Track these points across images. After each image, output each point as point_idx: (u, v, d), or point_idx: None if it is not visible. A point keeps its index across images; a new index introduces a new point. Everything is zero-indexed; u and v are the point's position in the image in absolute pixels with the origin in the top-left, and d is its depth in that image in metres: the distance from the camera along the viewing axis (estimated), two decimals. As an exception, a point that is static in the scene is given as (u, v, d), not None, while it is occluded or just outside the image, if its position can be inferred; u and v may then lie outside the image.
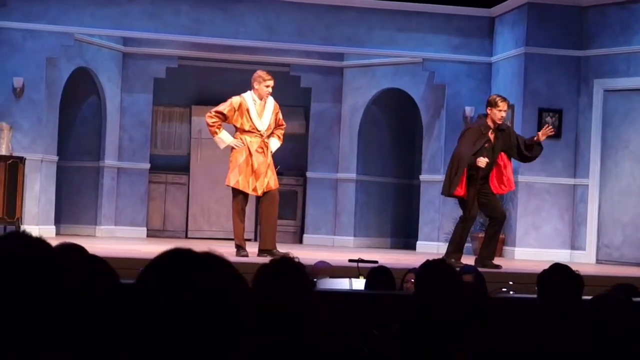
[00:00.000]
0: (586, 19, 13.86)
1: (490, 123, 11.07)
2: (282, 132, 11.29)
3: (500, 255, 13.87)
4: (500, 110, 11.02)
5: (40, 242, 2.17)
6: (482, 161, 10.93)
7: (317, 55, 15.95)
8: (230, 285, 1.91)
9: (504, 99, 11.18)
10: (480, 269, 6.63)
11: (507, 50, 14.43)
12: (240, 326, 1.90)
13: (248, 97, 11.08)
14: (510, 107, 14.05)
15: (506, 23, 14.56)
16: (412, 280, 6.74)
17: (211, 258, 1.94)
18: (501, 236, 13.94)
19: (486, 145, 11.08)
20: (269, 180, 11.10)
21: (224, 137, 11.08)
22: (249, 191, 10.98)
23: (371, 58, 15.67)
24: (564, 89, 13.93)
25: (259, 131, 11.05)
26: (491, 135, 11.12)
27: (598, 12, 13.77)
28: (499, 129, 11.15)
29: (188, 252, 1.94)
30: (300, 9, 14.46)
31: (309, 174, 16.35)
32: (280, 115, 11.25)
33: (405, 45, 14.76)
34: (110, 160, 15.54)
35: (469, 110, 14.73)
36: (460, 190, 11.18)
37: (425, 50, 14.81)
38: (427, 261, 5.20)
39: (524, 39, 13.96)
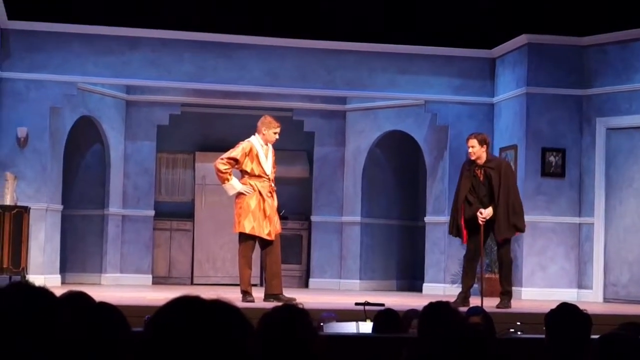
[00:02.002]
0: (587, 58, 13.91)
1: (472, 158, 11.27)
2: (274, 175, 11.37)
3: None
4: (469, 147, 11.24)
5: (43, 292, 2.16)
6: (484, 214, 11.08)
7: (320, 100, 15.99)
8: (239, 332, 1.91)
9: (470, 135, 11.45)
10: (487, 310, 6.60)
11: (508, 91, 14.47)
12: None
13: (255, 142, 11.13)
14: (513, 147, 14.11)
15: (507, 64, 14.61)
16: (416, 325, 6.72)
17: (220, 305, 1.94)
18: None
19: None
20: (277, 224, 11.16)
21: (235, 184, 11.09)
22: (264, 236, 10.98)
23: (374, 101, 15.71)
24: (566, 128, 13.95)
25: (267, 175, 11.10)
26: (478, 172, 11.25)
27: (599, 50, 13.82)
28: (487, 166, 11.24)
29: (196, 300, 1.94)
30: (301, 54, 14.53)
31: (313, 218, 16.33)
32: (274, 159, 11.36)
33: (407, 87, 14.81)
34: (114, 208, 15.54)
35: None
36: (452, 230, 11.41)
37: (427, 92, 14.86)
38: (430, 304, 5.19)
39: (525, 79, 14.00)
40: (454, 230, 11.43)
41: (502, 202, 11.13)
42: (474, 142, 11.26)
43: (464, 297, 11.19)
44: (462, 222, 11.28)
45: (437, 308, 5.33)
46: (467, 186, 11.29)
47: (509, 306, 11.10)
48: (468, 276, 11.46)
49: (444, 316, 5.00)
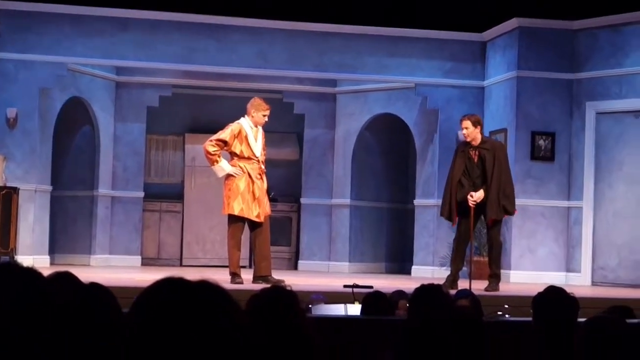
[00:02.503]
0: (577, 42, 13.92)
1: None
2: (265, 157, 11.37)
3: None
4: (462, 129, 11.33)
5: (31, 272, 2.16)
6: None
7: (310, 82, 15.99)
8: (225, 313, 1.91)
9: (464, 116, 11.50)
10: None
11: (499, 74, 14.47)
12: (235, 353, 1.90)
13: (245, 123, 11.13)
14: (503, 130, 14.12)
15: (498, 47, 14.61)
16: (404, 306, 6.73)
17: (205, 286, 1.94)
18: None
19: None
20: (266, 206, 11.16)
21: (224, 166, 11.08)
22: (253, 218, 10.98)
23: (364, 84, 15.71)
24: (556, 112, 13.96)
25: (257, 157, 11.10)
26: (472, 152, 11.26)
27: (589, 35, 13.83)
28: (482, 147, 11.25)
29: (181, 280, 1.94)
30: (292, 36, 14.51)
31: (303, 200, 16.34)
32: (264, 141, 11.36)
33: (398, 70, 14.80)
34: (104, 190, 15.53)
35: (461, 135, 14.73)
36: (443, 212, 11.46)
37: (418, 75, 14.86)
38: (422, 286, 5.20)
39: (515, 63, 14.01)
40: (446, 212, 11.44)
41: (495, 183, 11.14)
42: (467, 123, 11.26)
43: (452, 280, 11.22)
44: (455, 205, 11.29)
45: (428, 290, 5.34)
46: (460, 168, 11.30)
47: (497, 289, 11.13)
48: (457, 259, 11.49)
49: (434, 299, 5.01)
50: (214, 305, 1.91)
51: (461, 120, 11.44)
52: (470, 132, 11.24)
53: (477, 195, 11.14)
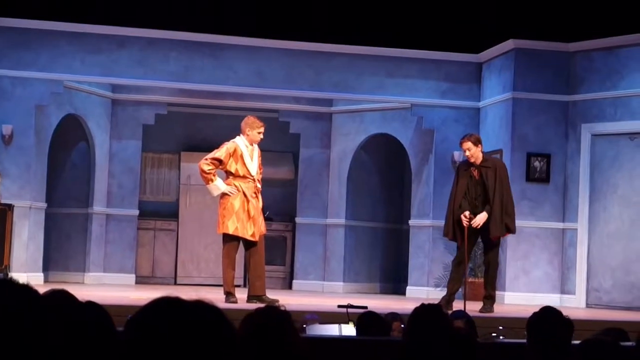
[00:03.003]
0: (573, 64, 13.95)
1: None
2: (261, 176, 11.36)
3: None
4: (464, 150, 11.26)
5: (26, 289, 2.16)
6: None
7: (306, 101, 16.00)
8: (220, 333, 1.90)
9: (464, 138, 11.44)
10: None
11: (494, 95, 14.50)
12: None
13: (240, 142, 11.13)
14: (499, 151, 14.13)
15: (494, 68, 14.64)
16: (398, 327, 6.72)
17: (201, 305, 1.93)
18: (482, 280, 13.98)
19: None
20: (261, 225, 11.15)
21: (219, 185, 11.07)
22: (248, 237, 10.96)
23: (360, 103, 15.72)
24: (552, 133, 13.98)
25: (252, 176, 11.10)
26: (474, 172, 11.24)
27: (585, 57, 13.86)
28: (484, 165, 11.25)
29: (177, 300, 1.93)
30: (289, 55, 14.53)
31: (298, 220, 16.33)
32: (260, 160, 11.36)
33: (394, 90, 14.82)
34: (99, 207, 15.51)
35: (457, 155, 14.76)
36: (448, 232, 11.40)
37: (414, 95, 14.87)
38: (422, 305, 5.17)
39: (511, 84, 14.03)
40: (450, 232, 11.38)
41: (497, 201, 11.12)
42: (468, 144, 11.22)
43: (447, 300, 11.18)
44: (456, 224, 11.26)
45: (427, 310, 5.33)
46: (463, 188, 11.27)
47: (491, 310, 11.11)
48: (454, 280, 11.44)
49: (433, 319, 5.00)
50: (209, 325, 1.90)
51: (462, 142, 11.34)
52: (473, 152, 11.19)
53: (480, 218, 11.09)
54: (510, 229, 11.33)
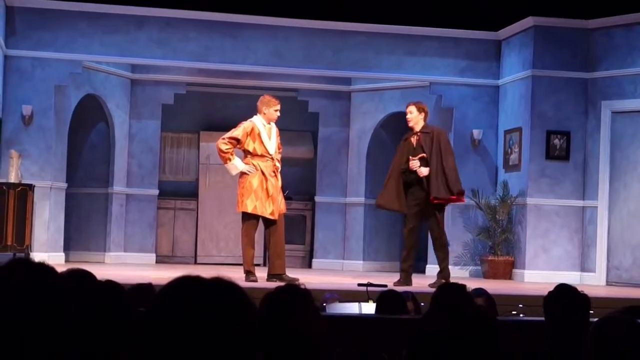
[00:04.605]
0: (593, 41, 13.88)
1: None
2: (281, 155, 11.39)
3: (510, 277, 13.87)
4: (407, 113, 11.51)
5: (44, 268, 2.17)
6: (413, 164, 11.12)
7: (325, 80, 15.98)
8: (240, 311, 1.92)
9: (410, 102, 11.80)
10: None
11: (514, 73, 14.45)
12: (248, 351, 1.90)
13: (258, 121, 11.15)
14: (518, 129, 14.10)
15: (513, 46, 14.59)
16: (412, 307, 6.71)
17: (221, 284, 1.95)
18: (510, 258, 13.96)
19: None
20: (281, 204, 11.17)
21: (237, 164, 11.10)
22: (267, 215, 10.99)
23: (378, 82, 15.70)
24: (571, 111, 13.93)
25: (270, 155, 11.11)
26: (412, 139, 11.32)
27: (605, 34, 13.79)
28: (423, 131, 11.30)
29: (197, 279, 1.95)
30: (307, 34, 14.51)
31: (317, 199, 16.35)
32: (279, 139, 11.38)
33: (413, 69, 14.79)
34: (118, 187, 15.56)
35: (476, 133, 14.74)
36: (380, 199, 11.48)
37: (433, 73, 14.84)
38: (446, 284, 5.19)
39: (530, 62, 13.98)
40: (382, 200, 11.47)
41: (435, 164, 11.19)
42: (412, 107, 11.56)
43: (406, 276, 11.34)
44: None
45: (452, 289, 5.34)
46: (402, 156, 11.42)
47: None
48: (411, 253, 11.54)
49: (457, 298, 5.01)
50: (230, 303, 1.91)
51: (407, 106, 11.68)
52: (413, 117, 11.51)
53: (425, 169, 11.16)
54: (453, 191, 11.25)
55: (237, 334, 1.88)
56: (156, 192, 15.95)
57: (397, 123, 16.13)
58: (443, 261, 11.52)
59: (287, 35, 14.46)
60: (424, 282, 11.61)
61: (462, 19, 14.66)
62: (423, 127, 11.43)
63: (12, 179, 13.32)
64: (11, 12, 13.79)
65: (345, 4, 14.64)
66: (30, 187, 13.35)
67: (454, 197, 11.35)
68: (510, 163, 14.38)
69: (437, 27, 14.71)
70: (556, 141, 13.88)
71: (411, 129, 11.52)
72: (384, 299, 6.71)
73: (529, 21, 14.02)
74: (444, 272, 11.40)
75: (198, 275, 1.96)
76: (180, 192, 16.53)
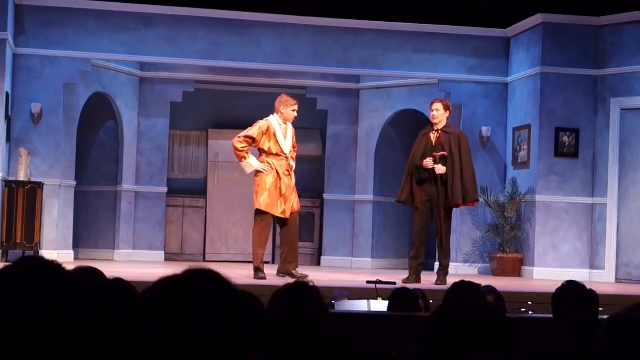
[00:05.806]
0: (602, 38, 13.85)
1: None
2: (295, 154, 11.47)
3: (519, 275, 13.85)
4: (432, 110, 11.37)
5: (53, 266, 2.17)
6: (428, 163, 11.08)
7: (334, 78, 15.98)
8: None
9: (436, 99, 11.69)
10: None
11: (522, 70, 14.43)
12: (253, 346, 1.90)
13: (273, 121, 11.24)
14: (527, 127, 14.08)
15: (522, 43, 14.57)
16: (421, 305, 6.71)
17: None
18: (519, 256, 13.94)
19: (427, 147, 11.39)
20: (294, 203, 11.24)
21: (252, 162, 11.20)
22: (278, 214, 11.07)
23: (387, 80, 15.68)
24: (580, 108, 13.90)
25: (285, 154, 11.20)
26: (432, 136, 11.28)
27: (614, 31, 13.76)
28: (444, 130, 11.27)
29: (209, 272, 1.95)
30: (316, 32, 14.51)
31: (326, 196, 16.35)
32: (294, 139, 11.45)
33: (421, 66, 14.78)
34: (127, 185, 15.58)
35: (485, 131, 14.72)
36: (401, 195, 11.43)
37: (441, 71, 14.83)
38: (462, 282, 5.18)
39: (539, 59, 13.96)
40: (403, 196, 11.42)
41: (456, 167, 11.15)
42: (439, 105, 11.44)
43: (416, 273, 11.33)
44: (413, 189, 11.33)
45: (464, 287, 5.34)
46: (420, 151, 11.34)
47: (445, 282, 11.08)
48: (421, 250, 11.51)
49: (469, 296, 5.01)
50: (237, 300, 1.91)
51: (432, 103, 11.56)
52: (439, 114, 11.38)
53: (442, 168, 11.13)
54: (469, 198, 11.24)
55: (243, 326, 1.88)
56: (165, 189, 15.96)
57: (405, 121, 16.13)
58: (448, 259, 11.57)
59: (296, 32, 14.46)
60: (433, 279, 11.61)
61: (470, 17, 14.65)
62: (445, 126, 11.38)
63: (22, 177, 13.35)
64: (20, 11, 13.81)
65: (354, 2, 14.63)
66: (40, 185, 13.38)
67: (469, 203, 11.43)
68: (519, 160, 14.35)
69: (446, 24, 14.69)
70: (565, 138, 13.85)
71: (432, 125, 11.45)
72: (397, 296, 6.71)
73: (537, 18, 14.00)
74: (444, 270, 11.42)
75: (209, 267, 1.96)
76: (189, 189, 16.54)
